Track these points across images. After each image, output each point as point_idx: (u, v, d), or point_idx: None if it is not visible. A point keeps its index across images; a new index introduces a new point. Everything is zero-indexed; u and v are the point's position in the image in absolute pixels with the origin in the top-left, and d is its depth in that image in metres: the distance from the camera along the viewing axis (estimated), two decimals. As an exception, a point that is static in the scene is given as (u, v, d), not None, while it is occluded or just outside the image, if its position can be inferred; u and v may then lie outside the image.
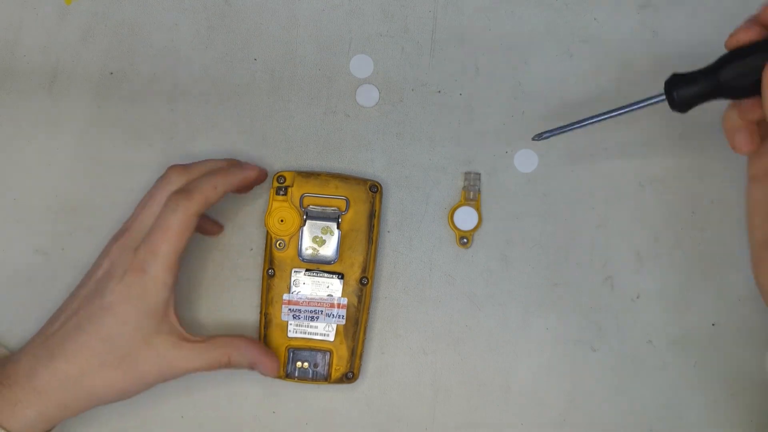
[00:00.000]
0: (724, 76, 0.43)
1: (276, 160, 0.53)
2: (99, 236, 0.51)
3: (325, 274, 0.50)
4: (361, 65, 0.53)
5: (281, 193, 0.50)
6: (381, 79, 0.53)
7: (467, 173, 0.52)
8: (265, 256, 0.51)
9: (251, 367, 0.48)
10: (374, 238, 0.51)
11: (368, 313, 0.51)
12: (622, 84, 0.53)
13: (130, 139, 0.52)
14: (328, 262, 0.50)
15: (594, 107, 0.53)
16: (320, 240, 0.50)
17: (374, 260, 0.51)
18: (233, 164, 0.49)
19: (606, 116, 0.46)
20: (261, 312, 0.51)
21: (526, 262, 0.52)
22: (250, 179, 0.49)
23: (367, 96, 0.53)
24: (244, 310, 0.52)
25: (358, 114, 0.53)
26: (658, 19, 0.54)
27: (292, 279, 0.50)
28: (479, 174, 0.52)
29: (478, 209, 0.52)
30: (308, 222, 0.50)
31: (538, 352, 0.51)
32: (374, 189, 0.51)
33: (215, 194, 0.47)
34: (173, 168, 0.48)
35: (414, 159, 0.53)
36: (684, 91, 0.43)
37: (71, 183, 0.52)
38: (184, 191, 0.46)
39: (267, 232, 0.50)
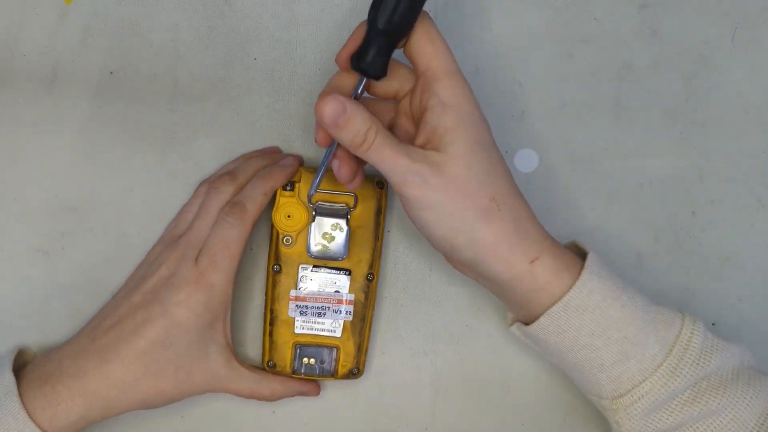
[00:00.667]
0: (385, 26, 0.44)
1: (276, 160, 0.53)
2: (99, 236, 0.51)
3: (333, 271, 0.50)
4: (361, 65, 0.53)
5: (288, 188, 0.50)
6: (381, 79, 0.53)
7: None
8: (270, 252, 0.50)
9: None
10: (380, 235, 0.51)
11: (374, 310, 0.51)
12: (622, 84, 0.53)
13: (130, 139, 0.52)
14: (336, 259, 0.49)
15: (594, 107, 0.53)
16: (329, 236, 0.49)
17: (380, 257, 0.51)
18: (275, 160, 0.50)
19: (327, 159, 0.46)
20: (266, 308, 0.50)
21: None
22: (292, 175, 0.50)
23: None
24: (246, 308, 0.52)
25: (358, 114, 0.53)
26: (658, 19, 0.54)
27: (300, 275, 0.50)
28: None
29: (478, 209, 0.52)
30: (317, 218, 0.49)
31: (538, 352, 0.51)
32: (381, 185, 0.51)
33: (266, 200, 0.48)
34: (222, 179, 0.49)
35: (414, 159, 0.53)
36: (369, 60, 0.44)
37: (71, 183, 0.51)
38: (238, 205, 0.47)
39: (272, 227, 0.50)
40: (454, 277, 0.52)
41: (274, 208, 0.50)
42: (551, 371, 0.52)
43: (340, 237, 0.49)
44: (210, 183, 0.50)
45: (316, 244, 0.49)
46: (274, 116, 0.53)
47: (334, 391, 0.52)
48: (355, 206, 0.50)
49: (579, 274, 0.44)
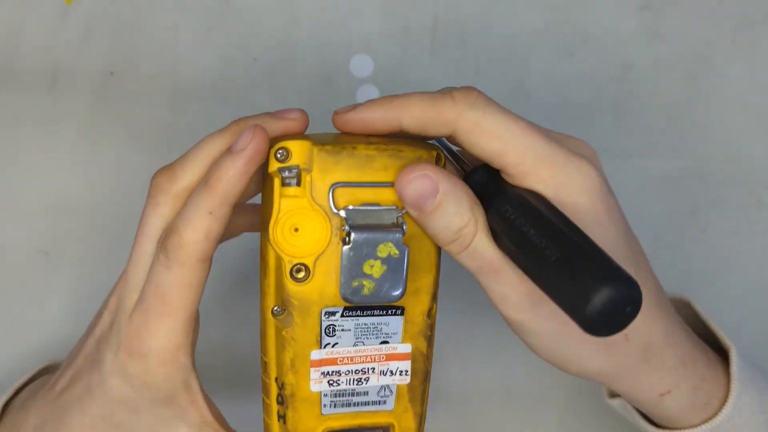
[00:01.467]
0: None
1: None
2: (99, 236, 0.51)
3: (378, 312, 0.33)
4: (361, 65, 0.53)
5: (291, 181, 0.31)
6: (381, 79, 0.53)
7: (467, 173, 0.52)
8: (267, 288, 0.32)
9: None
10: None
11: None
12: (622, 84, 0.53)
13: (130, 139, 0.52)
14: (388, 300, 0.32)
15: (594, 107, 0.53)
16: (377, 266, 0.31)
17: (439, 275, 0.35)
18: (244, 135, 0.32)
19: None
20: (269, 377, 0.33)
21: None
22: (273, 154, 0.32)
23: (368, 96, 0.53)
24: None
25: (358, 114, 0.53)
26: (658, 19, 0.54)
27: (324, 325, 0.32)
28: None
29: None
30: (354, 236, 0.31)
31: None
32: (439, 160, 0.34)
33: (216, 224, 0.32)
34: (158, 178, 0.35)
35: (414, 159, 0.53)
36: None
37: (71, 183, 0.51)
38: (172, 235, 0.33)
39: (268, 248, 0.32)
40: (454, 278, 0.52)
41: (273, 219, 0.31)
42: (551, 372, 0.52)
43: (395, 264, 0.31)
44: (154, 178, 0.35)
45: (354, 279, 0.31)
46: (274, 116, 0.53)
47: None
48: None
49: (720, 404, 0.37)
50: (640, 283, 0.28)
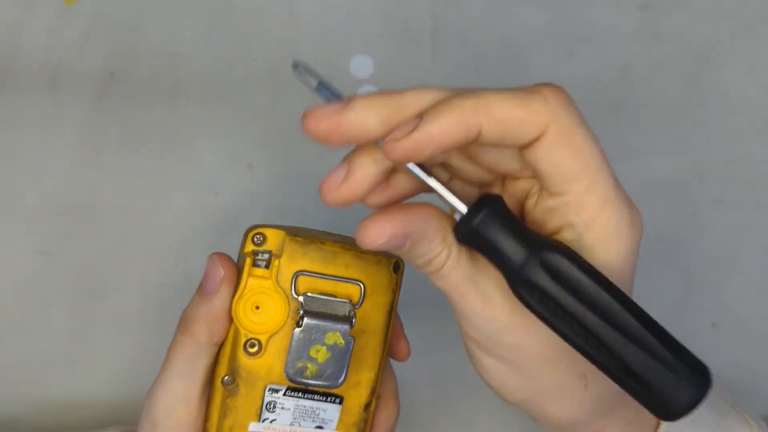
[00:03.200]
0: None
1: (276, 162, 0.53)
2: (99, 237, 0.51)
3: (317, 397, 0.35)
4: (361, 65, 0.53)
5: (261, 264, 0.34)
6: (381, 79, 0.53)
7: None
8: (222, 357, 0.34)
9: None
10: (387, 343, 0.36)
11: None
12: (622, 84, 0.53)
13: (130, 140, 0.52)
14: (328, 386, 0.34)
15: (594, 107, 0.53)
16: (323, 352, 0.33)
17: (383, 373, 0.36)
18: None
19: None
20: None
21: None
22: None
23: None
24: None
25: (358, 114, 0.53)
26: (658, 19, 0.54)
27: (266, 401, 0.34)
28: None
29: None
30: (306, 321, 0.33)
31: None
32: (397, 268, 0.36)
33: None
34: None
35: (414, 159, 0.53)
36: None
37: (71, 183, 0.51)
38: (183, 319, 0.35)
39: (231, 322, 0.34)
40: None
41: (237, 295, 0.34)
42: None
43: (338, 354, 0.33)
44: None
45: (300, 362, 0.33)
46: (274, 116, 0.53)
47: None
48: (361, 302, 0.35)
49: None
50: None
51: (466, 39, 0.53)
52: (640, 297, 0.52)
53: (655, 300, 0.52)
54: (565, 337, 0.28)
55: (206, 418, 0.35)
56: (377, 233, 0.28)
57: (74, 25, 0.53)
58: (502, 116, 0.26)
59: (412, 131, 0.26)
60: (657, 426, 0.36)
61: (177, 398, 0.34)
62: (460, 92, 0.27)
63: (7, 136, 0.52)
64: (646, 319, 0.28)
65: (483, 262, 0.31)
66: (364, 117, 0.27)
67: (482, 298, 0.31)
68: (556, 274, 0.28)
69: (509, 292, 0.29)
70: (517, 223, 0.29)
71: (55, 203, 0.51)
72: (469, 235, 0.29)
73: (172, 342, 0.35)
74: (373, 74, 0.53)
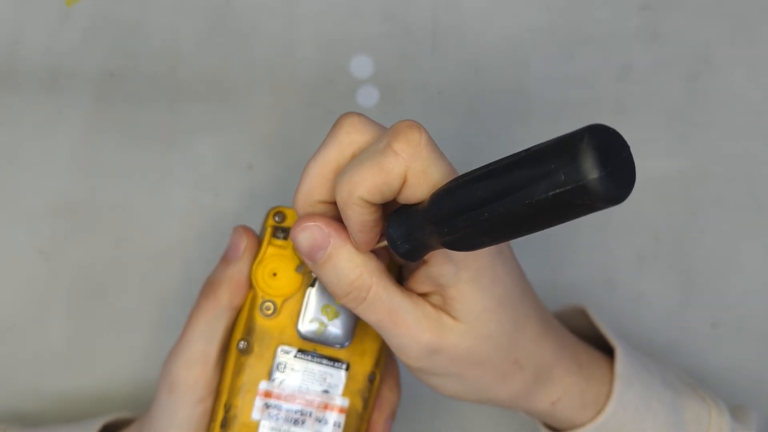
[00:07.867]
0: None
1: (276, 162, 0.53)
2: (99, 237, 0.51)
3: (326, 361, 0.37)
4: (361, 65, 0.53)
5: (280, 235, 0.37)
6: (381, 79, 0.53)
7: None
8: (240, 320, 0.37)
9: None
10: None
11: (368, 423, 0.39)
12: (622, 84, 0.53)
13: (130, 140, 0.52)
14: (335, 345, 0.37)
15: (594, 107, 0.53)
16: (333, 312, 0.36)
17: (386, 350, 0.39)
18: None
19: None
20: (219, 402, 0.37)
21: (525, 262, 0.52)
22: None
23: (368, 97, 0.53)
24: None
25: (358, 114, 0.53)
26: (658, 19, 0.54)
27: (277, 361, 0.37)
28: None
29: (478, 209, 0.52)
30: (319, 284, 0.36)
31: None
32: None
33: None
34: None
35: (414, 159, 0.53)
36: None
37: (71, 184, 0.51)
38: (207, 284, 0.39)
39: (250, 289, 0.37)
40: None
41: (257, 260, 0.37)
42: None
43: (347, 314, 0.36)
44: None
45: (311, 319, 0.36)
46: (274, 116, 0.53)
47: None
48: None
49: (606, 400, 0.39)
50: (525, 310, 0.36)
51: (466, 39, 0.53)
52: (641, 297, 0.52)
53: (655, 300, 0.52)
54: (496, 232, 0.28)
55: (221, 379, 0.37)
56: (308, 232, 0.33)
57: (74, 26, 0.53)
58: (370, 186, 0.30)
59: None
60: (609, 394, 0.39)
61: (196, 358, 0.37)
62: (339, 176, 0.31)
63: (7, 136, 0.52)
64: (516, 163, 0.27)
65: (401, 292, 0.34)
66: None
67: (415, 321, 0.34)
68: (453, 204, 0.29)
69: (428, 311, 0.34)
70: (404, 206, 0.31)
71: (55, 203, 0.51)
72: (393, 241, 0.31)
73: (194, 307, 0.38)
74: (373, 74, 0.53)
